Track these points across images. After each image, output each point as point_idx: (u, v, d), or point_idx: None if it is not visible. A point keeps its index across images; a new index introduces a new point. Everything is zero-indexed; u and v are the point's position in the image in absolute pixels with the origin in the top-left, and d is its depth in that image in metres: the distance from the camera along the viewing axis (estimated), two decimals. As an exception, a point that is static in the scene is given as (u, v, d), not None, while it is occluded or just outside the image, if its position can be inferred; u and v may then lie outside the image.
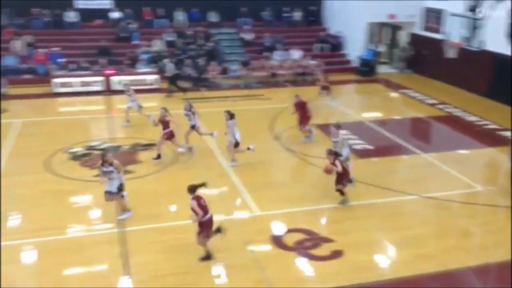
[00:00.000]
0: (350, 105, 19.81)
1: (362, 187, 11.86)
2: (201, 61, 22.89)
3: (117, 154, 13.55)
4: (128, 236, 9.73)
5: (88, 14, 24.98)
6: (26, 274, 8.56)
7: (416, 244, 9.68)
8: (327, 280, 8.53)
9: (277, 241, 9.68)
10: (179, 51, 23.82)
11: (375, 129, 16.73)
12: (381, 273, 8.89)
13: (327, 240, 9.68)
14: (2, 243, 9.30)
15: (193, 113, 14.00)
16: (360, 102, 21.43)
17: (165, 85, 21.03)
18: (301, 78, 23.69)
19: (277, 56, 24.49)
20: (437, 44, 21.57)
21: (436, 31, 22.98)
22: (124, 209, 10.37)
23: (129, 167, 12.92)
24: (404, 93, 21.68)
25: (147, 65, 22.49)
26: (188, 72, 22.37)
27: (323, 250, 9.38)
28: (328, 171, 10.80)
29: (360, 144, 15.06)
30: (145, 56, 22.98)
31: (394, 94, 21.97)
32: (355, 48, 25.27)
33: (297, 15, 27.47)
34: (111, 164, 9.95)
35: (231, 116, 12.84)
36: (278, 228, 10.20)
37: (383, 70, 25.61)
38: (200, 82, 22.24)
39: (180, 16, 25.92)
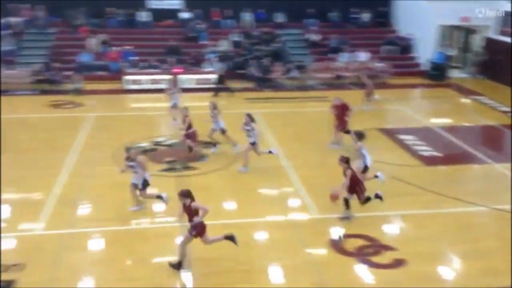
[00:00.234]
0: (418, 110, 19.19)
1: (428, 196, 11.46)
2: (265, 62, 23.01)
3: (181, 150, 13.88)
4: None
5: (159, 14, 25.81)
6: (92, 262, 8.93)
7: (483, 258, 9.22)
8: (387, 288, 8.32)
9: (336, 245, 9.54)
10: (245, 51, 24.08)
11: (444, 135, 16.10)
12: (444, 285, 8.54)
13: (389, 248, 9.42)
14: (73, 230, 9.79)
15: (218, 114, 13.94)
16: (429, 107, 20.68)
17: (229, 84, 21.31)
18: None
19: (343, 57, 24.18)
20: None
21: (513, 35, 21.83)
22: (137, 203, 10.61)
23: (192, 164, 13.20)
24: (476, 99, 20.73)
25: (213, 65, 22.90)
26: (252, 72, 22.55)
27: (385, 258, 9.14)
28: (334, 198, 10.14)
29: (427, 150, 14.55)
30: (211, 56, 23.42)
31: (465, 100, 21.05)
32: (425, 51, 24.46)
33: (366, 16, 27.00)
34: (133, 160, 10.30)
35: (251, 119, 12.70)
36: (338, 232, 10.04)
37: (454, 74, 24.62)
38: (264, 83, 22.35)
39: (247, 16, 26.20)
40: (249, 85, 22.06)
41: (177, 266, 8.56)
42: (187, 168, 13.00)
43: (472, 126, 17.48)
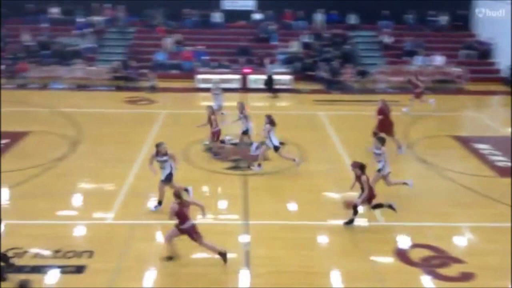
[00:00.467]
0: (495, 118, 18.20)
1: (501, 208, 10.84)
2: (335, 64, 22.74)
3: (248, 149, 14.02)
4: (250, 229, 10.01)
5: (232, 15, 26.25)
6: (157, 253, 9.20)
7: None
8: (452, 302, 7.96)
9: (401, 254, 9.24)
10: (315, 53, 23.93)
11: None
12: (516, 303, 8.05)
13: (457, 261, 8.99)
14: (142, 221, 10.18)
15: (245, 116, 13.82)
16: (507, 115, 19.50)
17: (298, 85, 21.28)
18: (442, 85, 22.35)
19: (417, 61, 23.40)
20: None
21: None
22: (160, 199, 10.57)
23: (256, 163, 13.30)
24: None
25: (282, 66, 22.98)
26: (321, 74, 22.37)
27: (452, 270, 8.74)
28: (349, 206, 9.90)
29: (503, 161, 13.76)
30: (281, 57, 23.49)
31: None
32: (506, 57, 23.10)
33: (443, 19, 25.96)
34: (165, 154, 10.30)
35: (270, 121, 12.52)
36: (403, 241, 9.72)
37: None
38: (333, 85, 22.10)
39: (319, 18, 26.02)
40: (318, 87, 21.88)
41: (169, 258, 8.69)
42: (253, 167, 13.10)
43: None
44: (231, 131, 16.06)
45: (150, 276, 8.53)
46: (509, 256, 9.14)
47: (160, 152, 10.37)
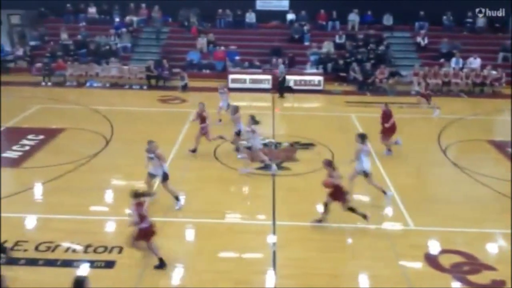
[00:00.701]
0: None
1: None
2: (368, 65, 22.47)
3: (276, 150, 14.01)
4: (278, 230, 10.00)
5: (266, 15, 26.28)
6: (184, 251, 9.32)
7: None
8: (483, 310, 7.75)
9: (431, 260, 9.05)
10: (348, 54, 23.71)
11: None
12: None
13: (489, 268, 8.76)
14: (170, 219, 10.30)
15: (238, 118, 13.71)
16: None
17: (329, 86, 21.12)
18: (479, 88, 21.80)
19: (453, 63, 22.89)
20: None
21: None
22: (151, 193, 10.45)
23: (286, 164, 13.27)
24: None
25: (314, 67, 22.86)
26: (354, 75, 22.15)
27: (483, 277, 8.52)
28: (327, 186, 9.71)
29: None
30: (313, 58, 23.37)
31: None
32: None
33: (481, 21, 25.29)
34: (153, 152, 10.48)
35: (254, 121, 12.77)
36: (434, 246, 9.53)
37: None
38: (365, 86, 21.85)
39: (352, 18, 25.76)
40: (350, 88, 21.65)
41: (161, 265, 8.53)
42: (281, 168, 13.09)
43: None
44: (262, 131, 16.10)
45: (177, 273, 8.62)
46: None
47: (150, 150, 10.62)
